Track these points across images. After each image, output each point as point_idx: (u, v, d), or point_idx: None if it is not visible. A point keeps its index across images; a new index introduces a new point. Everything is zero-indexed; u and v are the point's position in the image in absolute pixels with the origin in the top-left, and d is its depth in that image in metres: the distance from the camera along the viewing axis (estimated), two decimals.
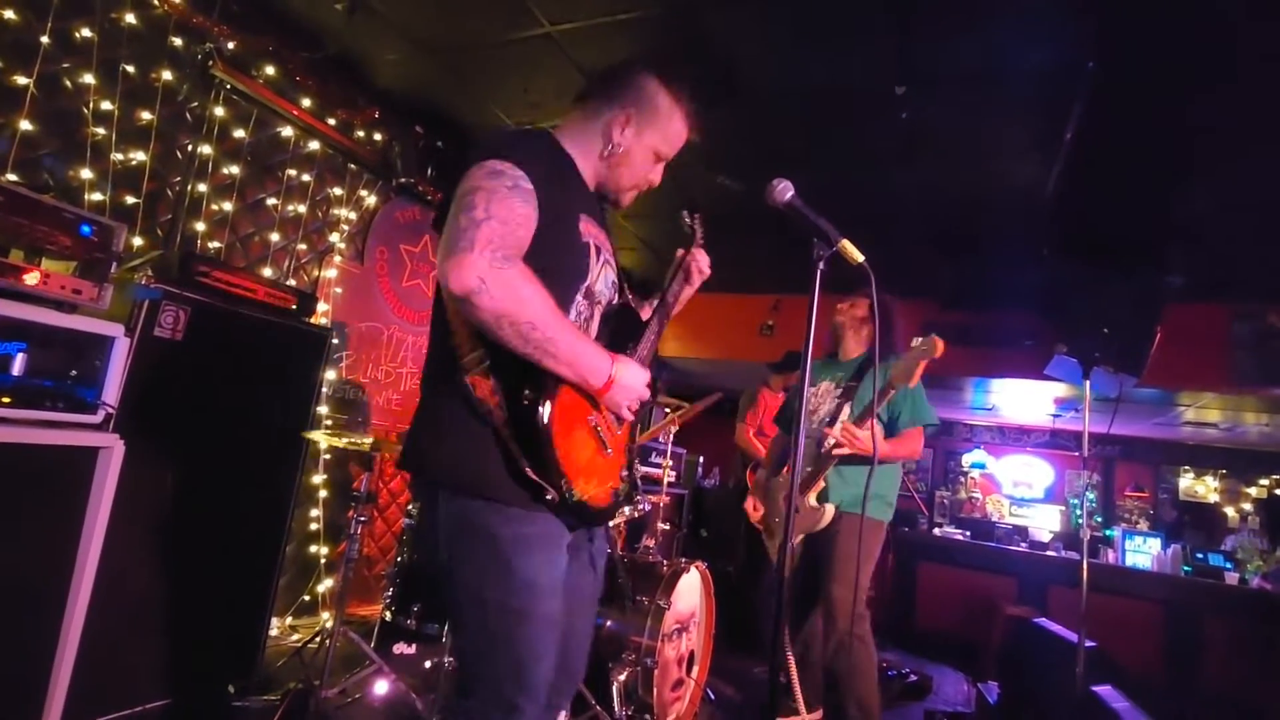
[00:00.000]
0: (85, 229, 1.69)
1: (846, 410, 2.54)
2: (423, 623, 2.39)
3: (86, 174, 2.37)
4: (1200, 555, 7.05)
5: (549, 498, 1.18)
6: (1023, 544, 6.51)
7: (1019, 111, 3.04)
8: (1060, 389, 5.78)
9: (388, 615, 2.47)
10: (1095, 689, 2.43)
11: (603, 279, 1.37)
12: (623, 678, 2.36)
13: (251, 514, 2.32)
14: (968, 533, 6.41)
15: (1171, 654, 4.85)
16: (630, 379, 1.26)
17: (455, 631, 1.29)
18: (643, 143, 1.38)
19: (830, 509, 2.48)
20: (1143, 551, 7.03)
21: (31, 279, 1.59)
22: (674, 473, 4.93)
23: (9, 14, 2.18)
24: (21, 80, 2.22)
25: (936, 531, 6.63)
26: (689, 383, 7.39)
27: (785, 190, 1.33)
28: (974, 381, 6.09)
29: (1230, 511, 7.65)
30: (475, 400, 1.20)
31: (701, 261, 1.60)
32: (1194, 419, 6.12)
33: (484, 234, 1.09)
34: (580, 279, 1.31)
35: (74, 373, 1.72)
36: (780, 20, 2.60)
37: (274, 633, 2.71)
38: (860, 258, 1.31)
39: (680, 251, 1.60)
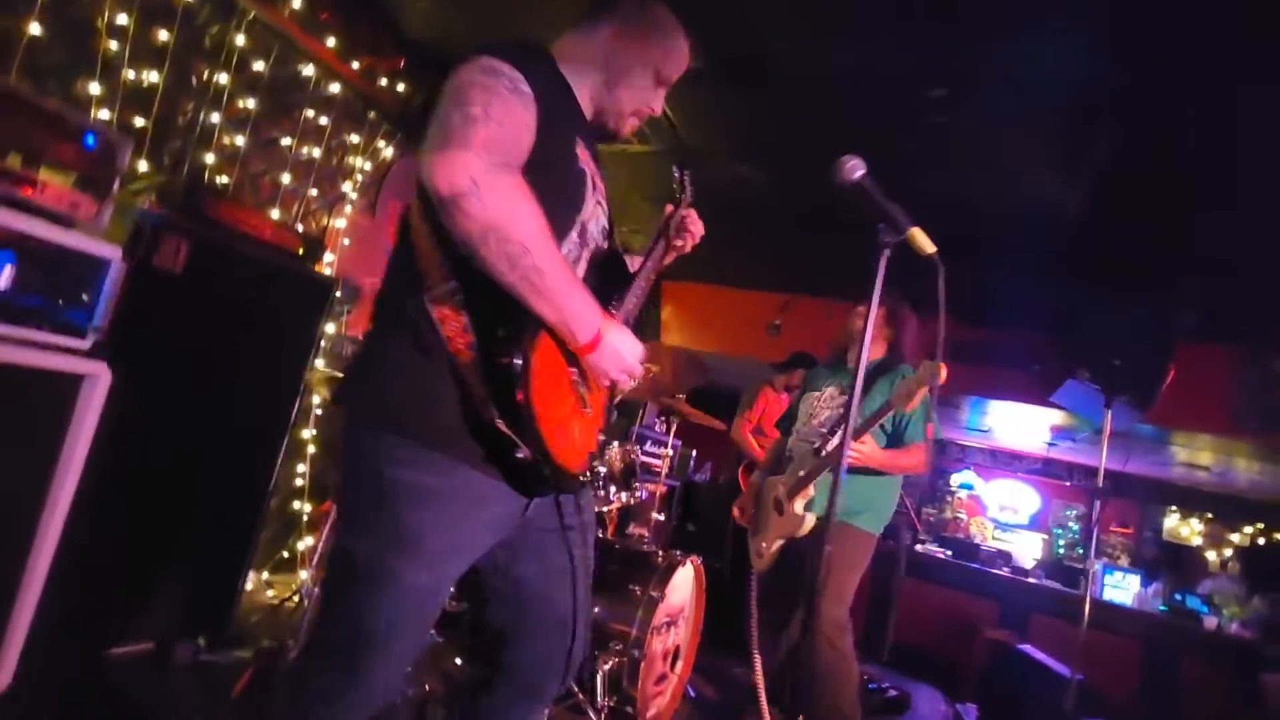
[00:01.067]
0: (89, 140, 1.57)
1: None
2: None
3: (95, 89, 2.24)
4: (1178, 596, 7.07)
5: (520, 455, 1.02)
6: (1005, 568, 6.49)
7: (1049, 125, 2.96)
8: (1058, 417, 5.74)
9: None
10: None
11: (596, 219, 1.24)
12: (608, 668, 2.28)
13: (238, 462, 2.22)
14: (950, 551, 6.39)
15: (1149, 692, 4.83)
16: (621, 346, 1.11)
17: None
18: (644, 58, 1.28)
19: (810, 518, 2.42)
20: (1120, 587, 7.04)
21: (28, 187, 1.48)
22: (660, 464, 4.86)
23: None
24: None
25: (919, 548, 6.59)
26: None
27: (855, 168, 1.23)
28: (971, 401, 6.04)
29: (1211, 555, 7.66)
30: (439, 335, 1.05)
31: (693, 223, 1.46)
32: (1186, 460, 6.10)
33: (482, 134, 0.96)
34: (575, 211, 1.18)
35: (65, 293, 1.61)
36: (822, 9, 2.51)
37: (250, 587, 2.61)
38: (931, 249, 1.22)
39: (669, 208, 1.47)
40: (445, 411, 1.04)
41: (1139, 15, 2.25)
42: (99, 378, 1.67)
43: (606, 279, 1.26)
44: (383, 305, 1.17)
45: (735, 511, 4.10)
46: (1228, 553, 7.57)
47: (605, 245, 1.28)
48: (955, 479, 8.46)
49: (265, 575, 2.97)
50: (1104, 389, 3.39)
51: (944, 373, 2.13)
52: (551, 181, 1.08)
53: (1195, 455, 5.89)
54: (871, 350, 2.63)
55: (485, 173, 0.94)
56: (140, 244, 1.84)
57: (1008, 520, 8.29)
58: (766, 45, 2.79)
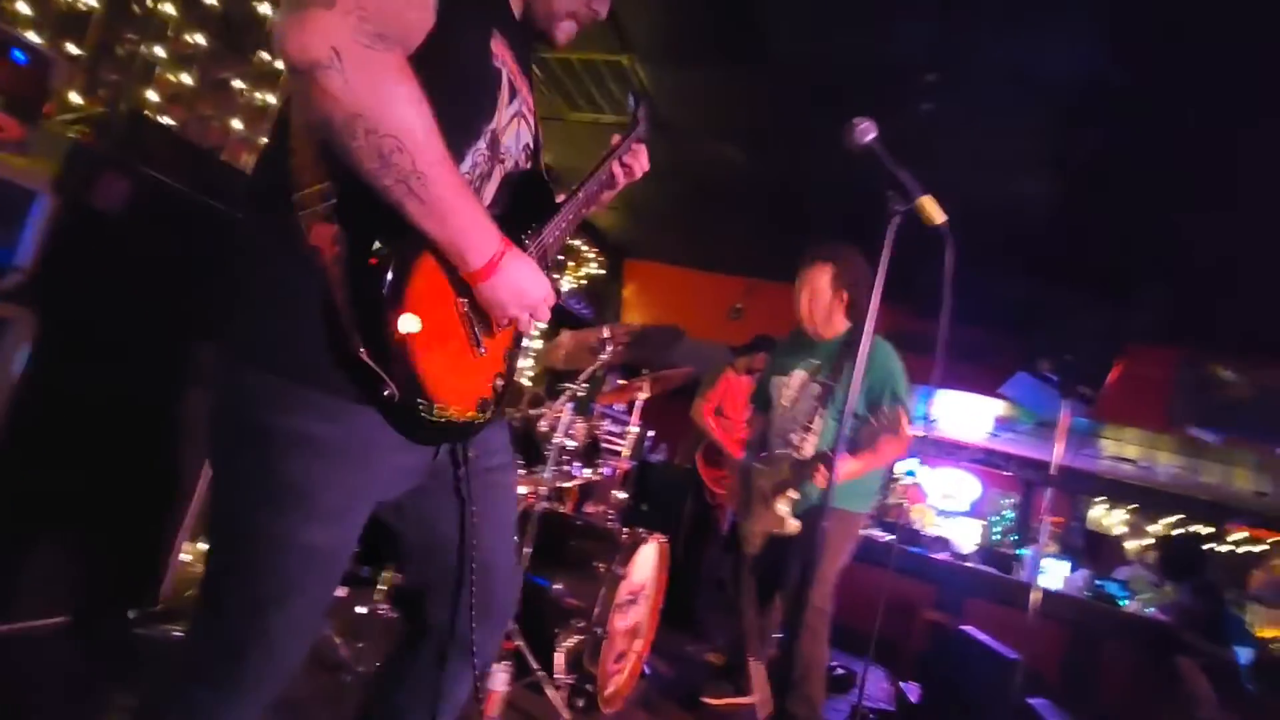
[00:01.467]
0: (17, 54, 1.41)
1: (819, 418, 2.42)
2: (356, 565, 2.20)
3: (23, 8, 2.02)
4: (1099, 582, 7.45)
5: (385, 394, 0.85)
6: (945, 553, 6.72)
7: (1028, 122, 3.00)
8: (1002, 408, 5.93)
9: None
10: (1031, 700, 2.46)
11: (513, 132, 1.06)
12: (569, 644, 2.24)
13: (173, 424, 2.06)
14: (894, 537, 6.57)
15: (1071, 672, 5.09)
16: (523, 279, 0.96)
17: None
18: None
19: (794, 524, 2.40)
20: (1048, 573, 7.38)
21: None
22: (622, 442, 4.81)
23: None
24: None
25: (862, 531, 6.78)
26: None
27: (867, 131, 1.19)
28: (920, 392, 6.19)
29: (1131, 545, 8.11)
30: (302, 245, 0.85)
31: (639, 157, 1.29)
32: (1114, 453, 6.40)
33: None
34: (483, 116, 0.99)
35: None
36: None
37: (186, 558, 2.45)
38: (942, 218, 1.19)
39: (616, 138, 1.28)
40: (316, 342, 0.86)
41: (1123, 18, 2.28)
42: (21, 321, 1.51)
43: (525, 204, 1.08)
44: (249, 210, 0.96)
45: (721, 492, 4.12)
46: (1147, 542, 8.02)
47: (526, 165, 1.11)
48: (899, 466, 8.69)
49: (201, 545, 2.80)
50: (1062, 382, 3.45)
51: (905, 423, 2.16)
52: (451, 77, 0.91)
53: (1122, 449, 6.18)
54: (834, 324, 2.58)
55: (352, 41, 0.75)
56: (73, 180, 1.66)
57: (948, 507, 8.57)
58: (765, 22, 2.72)
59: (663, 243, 5.94)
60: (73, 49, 2.18)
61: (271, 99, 2.83)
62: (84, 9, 2.17)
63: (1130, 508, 8.12)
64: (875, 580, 6.00)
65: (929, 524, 8.36)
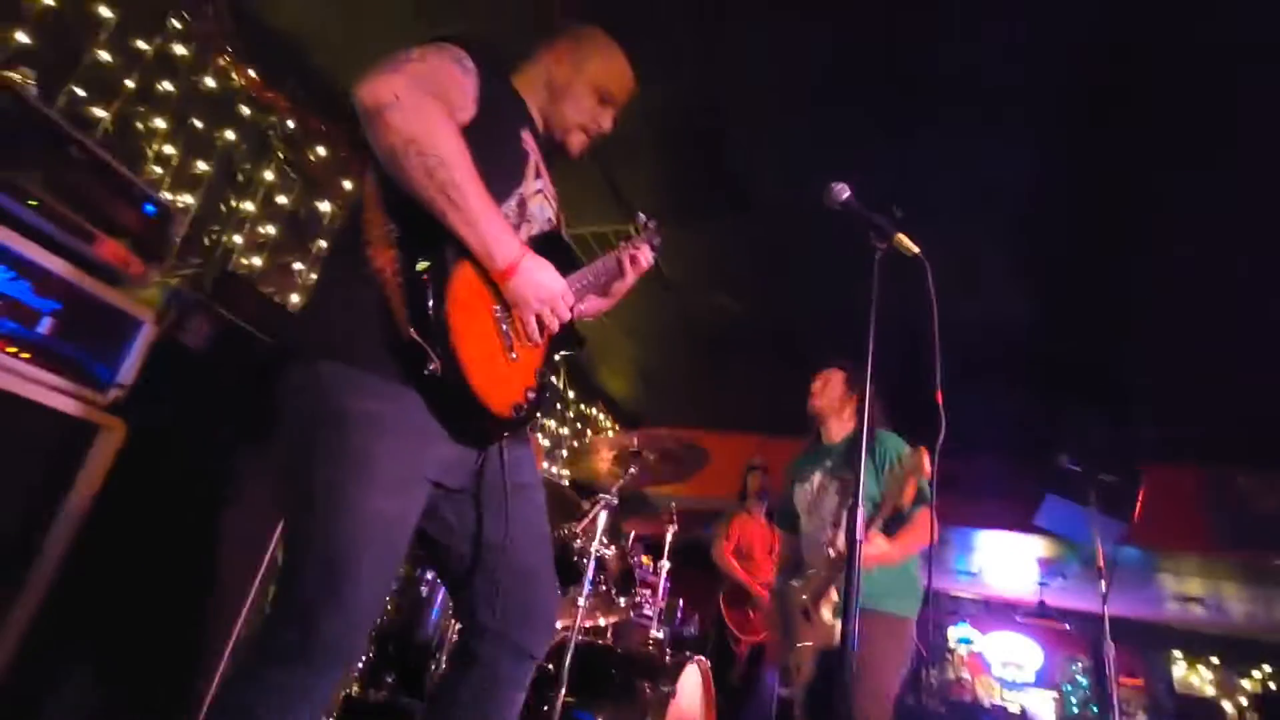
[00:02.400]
0: (149, 208, 1.73)
1: (845, 512, 2.46)
2: (395, 695, 2.11)
3: (156, 168, 2.46)
4: None
5: (431, 367, 1.01)
6: None
7: (998, 242, 3.34)
8: (1043, 547, 5.72)
9: (354, 689, 2.17)
10: None
11: (539, 203, 1.31)
12: None
13: (230, 547, 2.12)
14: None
15: None
16: (542, 276, 1.15)
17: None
18: (584, 76, 1.39)
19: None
20: None
21: (95, 243, 1.60)
22: (658, 614, 4.58)
23: (104, 55, 2.38)
24: (99, 112, 2.37)
25: (928, 699, 6.15)
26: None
27: (841, 191, 1.44)
28: (956, 536, 6.01)
29: (1228, 707, 7.27)
30: (369, 269, 1.07)
31: (643, 254, 1.51)
32: (1176, 590, 6.03)
33: (412, 67, 1.07)
34: (514, 181, 1.24)
35: (97, 347, 1.66)
36: (792, 137, 2.94)
37: None
38: (915, 250, 1.39)
39: (622, 243, 1.52)
40: (375, 334, 1.04)
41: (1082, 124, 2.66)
42: (115, 431, 1.67)
43: (547, 255, 1.24)
44: (329, 257, 1.24)
45: (745, 638, 3.89)
46: (1243, 701, 7.20)
47: (549, 229, 1.34)
48: (953, 633, 8.09)
49: None
50: (1084, 478, 3.45)
51: (926, 461, 2.21)
52: (490, 147, 1.13)
53: (1184, 585, 5.84)
54: (842, 426, 2.69)
55: (408, 90, 1.02)
56: (170, 316, 1.93)
57: (1013, 678, 7.83)
58: (745, 176, 3.18)
59: (675, 407, 6.17)
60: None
61: None
62: (180, 207, 2.60)
63: (1212, 662, 7.40)
64: None
65: (996, 699, 7.59)
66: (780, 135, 2.95)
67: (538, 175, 1.32)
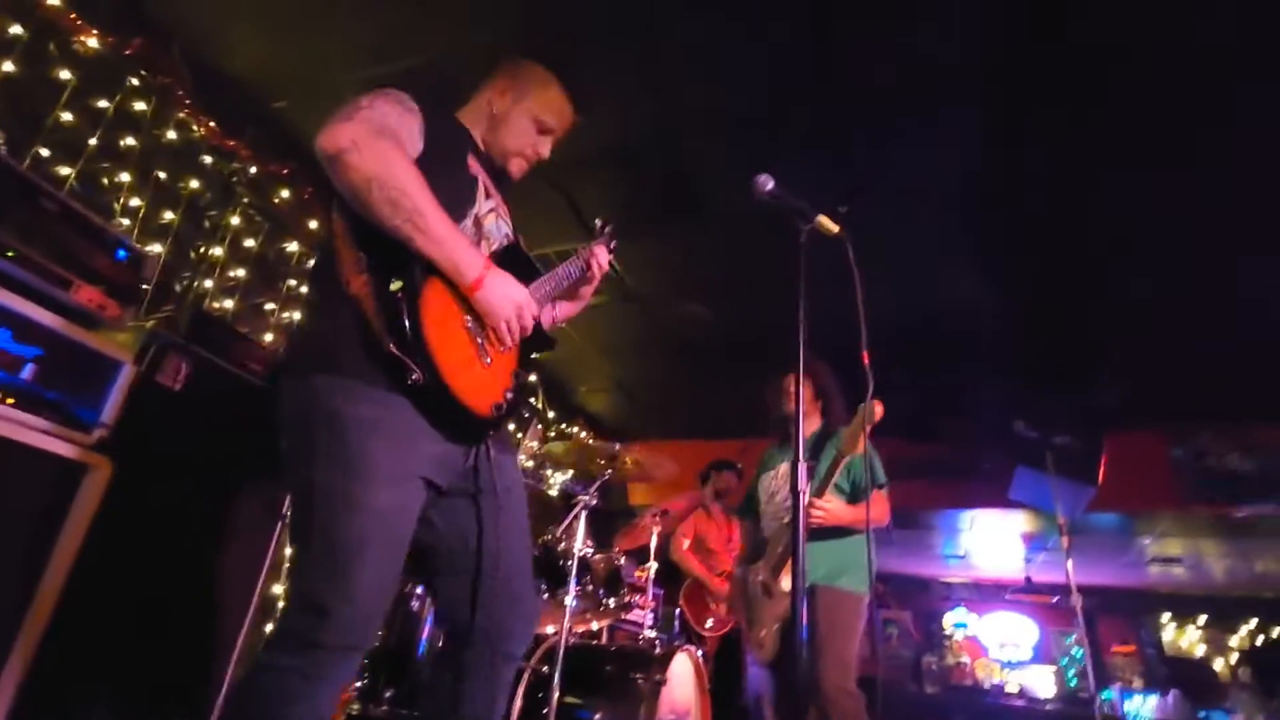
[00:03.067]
0: (121, 253, 1.81)
1: (807, 488, 2.57)
2: (394, 710, 2.16)
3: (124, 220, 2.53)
4: (1203, 715, 6.75)
5: (413, 378, 1.12)
6: (1021, 701, 6.15)
7: (946, 228, 3.50)
8: (1026, 522, 5.87)
9: (354, 708, 2.22)
10: None
11: (493, 221, 1.43)
12: None
13: (223, 569, 2.17)
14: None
15: None
16: (506, 288, 1.27)
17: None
18: (521, 108, 1.51)
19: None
20: (1143, 715, 6.71)
21: (71, 289, 1.68)
22: (651, 615, 4.63)
23: (66, 116, 2.47)
24: (64, 170, 2.45)
25: (930, 688, 6.23)
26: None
27: (766, 182, 1.57)
28: (941, 521, 6.15)
29: (1219, 664, 7.43)
30: (349, 294, 1.18)
31: (600, 254, 1.63)
32: (1156, 553, 6.20)
33: (364, 114, 1.18)
34: (466, 204, 1.36)
35: (79, 390, 1.73)
36: (738, 145, 3.08)
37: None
38: (835, 229, 1.52)
39: (580, 248, 1.64)
40: (359, 350, 1.15)
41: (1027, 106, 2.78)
42: (101, 469, 1.74)
43: (511, 268, 1.35)
44: (311, 287, 1.38)
45: (707, 634, 3.95)
46: (1233, 658, 7.36)
47: (507, 243, 1.46)
48: (948, 619, 8.19)
49: None
50: (1039, 449, 3.59)
51: (879, 409, 2.33)
52: (441, 175, 1.25)
53: (1164, 546, 6.01)
54: (807, 425, 2.83)
55: (364, 135, 1.14)
56: (146, 359, 2.00)
57: (1011, 658, 7.93)
58: (699, 183, 3.32)
59: (655, 419, 6.26)
60: (142, 286, 2.64)
61: (298, 316, 3.31)
62: (151, 255, 2.66)
63: (1201, 623, 7.57)
64: None
65: (997, 679, 7.69)
66: (734, 142, 3.09)
67: (488, 195, 1.45)
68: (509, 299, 1.28)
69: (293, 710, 1.01)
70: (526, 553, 1.37)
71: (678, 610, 4.08)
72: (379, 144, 1.15)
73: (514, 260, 1.45)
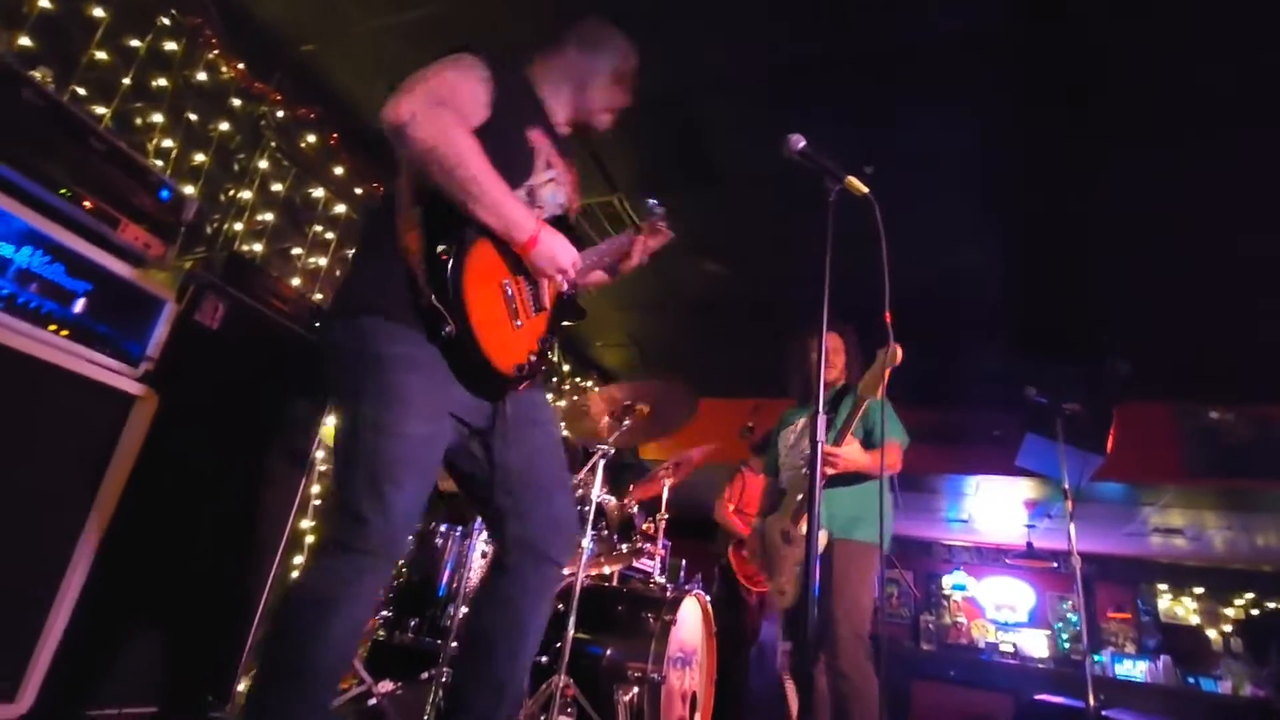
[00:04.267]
0: (164, 193, 1.87)
1: (824, 438, 2.63)
2: (419, 637, 2.29)
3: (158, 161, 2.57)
4: (1192, 680, 6.91)
5: (447, 330, 1.22)
6: (1014, 660, 6.33)
7: (957, 196, 3.48)
8: (1028, 488, 5.94)
9: (380, 634, 2.35)
10: (1108, 711, 2.38)
11: (550, 191, 1.50)
12: (628, 699, 2.26)
13: (255, 518, 2.27)
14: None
15: None
16: (556, 244, 1.36)
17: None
18: (602, 63, 1.62)
19: (823, 535, 2.50)
20: (1134, 677, 6.87)
21: (111, 225, 1.74)
22: (660, 565, 4.80)
23: (100, 55, 2.49)
24: (100, 109, 2.49)
25: (926, 645, 6.42)
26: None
27: (798, 141, 1.58)
28: (946, 485, 6.23)
29: (1213, 634, 7.57)
30: (397, 246, 1.29)
31: (655, 241, 1.76)
32: (1159, 523, 6.28)
33: (426, 85, 1.26)
34: (523, 175, 1.43)
35: (126, 325, 1.81)
36: (756, 104, 3.06)
37: None
38: (865, 190, 1.54)
39: (631, 229, 1.74)
40: (404, 298, 1.25)
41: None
42: (147, 401, 1.83)
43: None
44: (364, 235, 1.48)
45: (755, 589, 4.10)
46: (1227, 629, 7.50)
47: (560, 213, 1.53)
48: (948, 581, 8.37)
49: None
50: (1049, 415, 3.63)
51: (899, 352, 2.36)
52: (500, 146, 1.33)
53: (1166, 517, 6.08)
54: (829, 379, 2.88)
55: (423, 106, 1.22)
56: (186, 298, 2.07)
57: (1006, 619, 8.12)
58: (717, 145, 3.32)
59: (669, 376, 6.33)
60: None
61: (323, 262, 3.37)
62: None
63: (1195, 592, 7.69)
64: (944, 698, 5.66)
65: (991, 639, 7.89)
66: (751, 104, 3.07)
67: (548, 167, 1.51)
68: (557, 257, 1.37)
69: (339, 606, 1.13)
70: (563, 473, 1.49)
71: (718, 568, 4.26)
72: (437, 114, 1.22)
73: (560, 228, 1.51)
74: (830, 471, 2.43)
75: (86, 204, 1.66)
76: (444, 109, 1.24)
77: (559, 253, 1.38)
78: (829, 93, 2.95)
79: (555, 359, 5.57)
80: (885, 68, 2.79)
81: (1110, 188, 3.29)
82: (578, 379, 5.80)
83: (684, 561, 6.30)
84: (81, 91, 2.44)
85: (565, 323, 1.59)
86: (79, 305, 1.71)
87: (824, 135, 3.06)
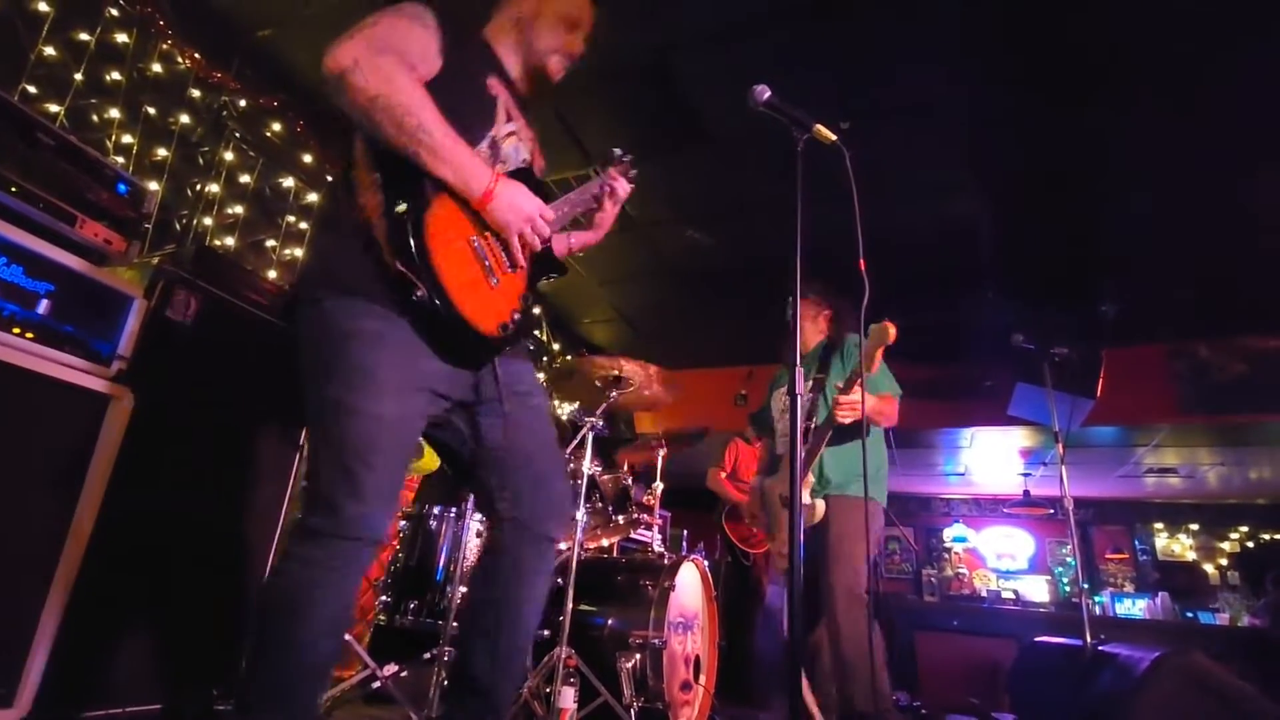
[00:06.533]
0: (121, 187, 1.82)
1: (821, 405, 2.63)
2: (419, 619, 2.30)
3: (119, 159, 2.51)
4: (1190, 614, 7.03)
5: (417, 294, 1.14)
6: (1015, 605, 6.42)
7: (946, 146, 3.45)
8: (1025, 438, 5.99)
9: (381, 618, 2.36)
10: (1104, 647, 2.41)
11: (512, 144, 1.41)
12: (630, 664, 2.27)
13: (246, 510, 2.26)
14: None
15: None
16: (517, 197, 1.27)
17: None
18: (549, 7, 1.49)
19: (821, 505, 2.52)
20: (1133, 615, 6.99)
21: (77, 224, 1.70)
22: (660, 536, 4.84)
23: (49, 50, 2.42)
24: (53, 108, 2.42)
25: (929, 598, 6.51)
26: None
27: (763, 92, 1.55)
28: (942, 439, 6.27)
29: (1209, 568, 7.70)
30: (358, 216, 1.21)
31: (620, 185, 1.58)
32: (1154, 463, 6.34)
33: (368, 31, 1.17)
34: (484, 125, 1.34)
35: (93, 325, 1.78)
36: (735, 60, 3.00)
37: None
38: (833, 137, 1.52)
39: (596, 172, 1.61)
40: (369, 269, 1.17)
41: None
42: (123, 399, 1.80)
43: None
44: (322, 210, 1.39)
45: (752, 551, 4.15)
46: (1223, 562, 7.62)
47: (523, 166, 1.43)
48: (948, 534, 8.46)
49: None
50: (1038, 361, 3.63)
51: (892, 331, 2.37)
52: (458, 95, 1.26)
53: (1160, 456, 6.14)
54: (815, 335, 2.87)
55: (366, 53, 1.13)
56: (155, 293, 2.03)
57: (1007, 568, 8.23)
58: (697, 106, 3.25)
59: (660, 350, 6.32)
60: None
61: (298, 253, 3.32)
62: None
63: (1191, 528, 7.80)
64: (949, 647, 5.74)
65: (993, 587, 8.00)
66: (731, 63, 3.01)
67: (509, 119, 1.42)
68: (520, 209, 1.28)
69: (319, 594, 1.10)
70: (553, 446, 1.44)
71: (719, 535, 4.30)
72: (381, 61, 1.14)
73: (525, 181, 1.41)
74: (846, 419, 2.42)
75: (40, 200, 1.62)
76: (389, 54, 1.16)
77: (521, 200, 1.28)
78: (814, 45, 2.89)
79: (544, 338, 5.54)
80: (872, 16, 2.74)
81: (1102, 130, 3.25)
82: (568, 357, 5.78)
83: (685, 531, 6.36)
84: (32, 90, 2.37)
85: (547, 277, 1.50)
86: (42, 306, 1.67)
87: (811, 91, 3.08)
